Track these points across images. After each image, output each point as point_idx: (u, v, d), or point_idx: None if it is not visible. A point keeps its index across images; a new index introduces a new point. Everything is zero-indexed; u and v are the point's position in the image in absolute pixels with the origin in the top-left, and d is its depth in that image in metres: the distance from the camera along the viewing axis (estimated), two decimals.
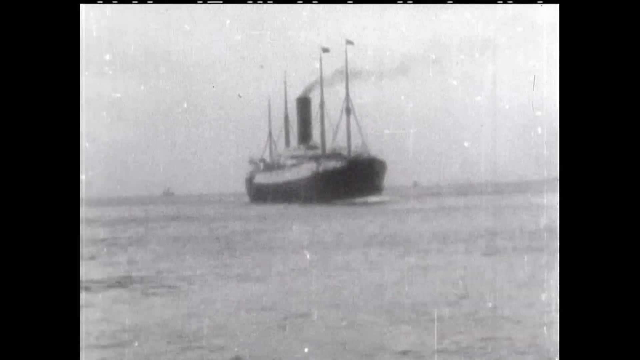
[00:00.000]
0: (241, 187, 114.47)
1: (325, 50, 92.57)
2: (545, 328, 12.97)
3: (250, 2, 9.06)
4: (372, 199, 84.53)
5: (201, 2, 9.02)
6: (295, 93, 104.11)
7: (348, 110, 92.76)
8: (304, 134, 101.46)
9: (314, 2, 9.49)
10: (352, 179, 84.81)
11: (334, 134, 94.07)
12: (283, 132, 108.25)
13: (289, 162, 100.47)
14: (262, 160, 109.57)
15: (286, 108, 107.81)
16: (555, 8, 8.24)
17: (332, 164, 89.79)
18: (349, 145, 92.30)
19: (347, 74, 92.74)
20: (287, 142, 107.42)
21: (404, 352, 11.31)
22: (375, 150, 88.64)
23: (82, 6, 8.51)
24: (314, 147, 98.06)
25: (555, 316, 13.55)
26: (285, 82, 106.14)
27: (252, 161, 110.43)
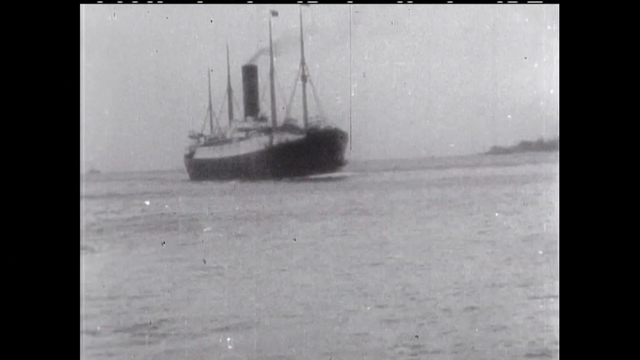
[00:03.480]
0: (178, 164, 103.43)
1: (274, 13, 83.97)
2: None
3: (250, 2, 9.07)
4: (333, 174, 76.95)
5: (201, 2, 9.03)
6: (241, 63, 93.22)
7: (304, 78, 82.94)
8: (251, 106, 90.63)
9: (312, 2, 9.50)
10: (311, 152, 76.52)
11: (289, 104, 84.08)
12: (226, 105, 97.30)
13: (236, 135, 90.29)
14: (201, 134, 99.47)
15: (229, 78, 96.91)
16: (555, 8, 8.26)
17: (288, 137, 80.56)
18: (306, 116, 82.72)
19: (302, 38, 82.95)
20: (231, 115, 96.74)
21: None
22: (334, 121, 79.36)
23: (82, 6, 8.51)
24: (263, 119, 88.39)
25: None
26: (227, 50, 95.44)
27: (192, 135, 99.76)
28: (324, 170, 76.33)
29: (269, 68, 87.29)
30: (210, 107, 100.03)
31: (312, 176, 74.97)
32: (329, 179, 73.07)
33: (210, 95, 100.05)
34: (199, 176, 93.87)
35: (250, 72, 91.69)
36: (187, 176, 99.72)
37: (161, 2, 9.66)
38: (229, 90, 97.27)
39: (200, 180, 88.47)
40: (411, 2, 8.62)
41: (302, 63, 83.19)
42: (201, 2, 8.98)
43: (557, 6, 8.20)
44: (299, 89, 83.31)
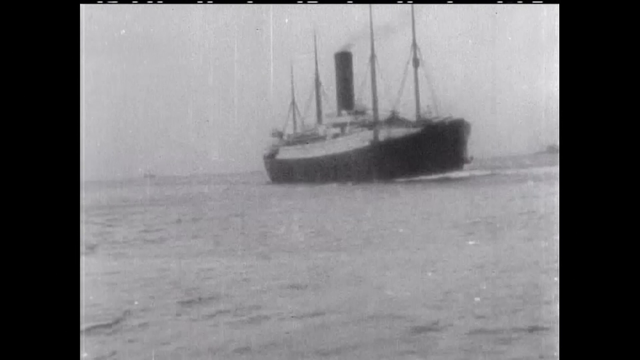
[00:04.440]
0: (243, 168, 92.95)
1: None
2: None
3: (250, 2, 9.06)
4: (458, 173, 64.72)
5: (201, 2, 9.02)
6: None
7: (416, 62, 69.47)
8: (346, 97, 78.33)
9: (312, 2, 9.50)
10: (429, 148, 64.85)
11: (399, 93, 70.67)
12: (310, 99, 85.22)
13: (331, 131, 78.03)
14: (280, 133, 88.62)
15: (317, 68, 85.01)
16: (555, 8, 8.26)
17: (400, 131, 68.02)
18: (418, 107, 69.70)
19: (412, 16, 69.05)
20: (319, 109, 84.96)
21: None
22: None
23: (82, 6, 8.51)
24: (362, 112, 75.60)
25: None
26: (314, 37, 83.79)
27: (275, 133, 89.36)
28: (444, 169, 65.00)
29: (368, 54, 73.82)
30: (293, 102, 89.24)
31: (428, 177, 64.52)
32: (447, 179, 62.05)
33: (293, 89, 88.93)
34: (282, 178, 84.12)
35: (344, 60, 79.27)
36: (262, 178, 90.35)
37: (161, 2, 9.66)
38: (317, 82, 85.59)
39: (284, 182, 79.75)
40: (411, 2, 8.60)
41: (414, 45, 69.91)
42: (201, 2, 8.98)
43: (557, 6, 8.20)
44: (410, 75, 70.31)
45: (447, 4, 8.28)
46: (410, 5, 66.66)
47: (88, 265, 19.58)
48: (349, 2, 8.97)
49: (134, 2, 9.16)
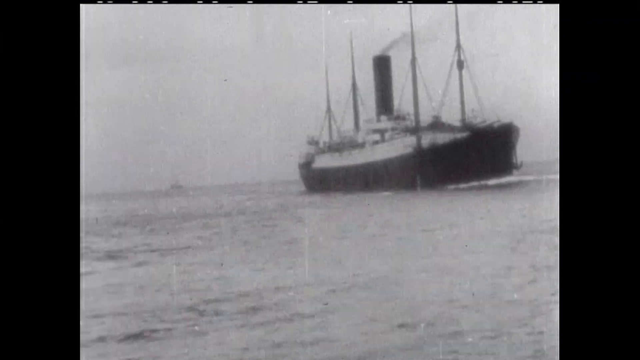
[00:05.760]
0: (276, 177, 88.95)
1: None
2: None
3: (250, 2, 9.05)
4: (509, 178, 61.82)
5: (201, 2, 9.01)
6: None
7: (460, 64, 66.45)
8: (385, 103, 74.78)
9: (313, 1, 9.48)
10: (477, 154, 61.42)
11: (442, 97, 67.62)
12: (347, 105, 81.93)
13: (370, 138, 74.73)
14: (316, 141, 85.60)
15: (353, 72, 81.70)
16: (555, 8, 8.24)
17: (445, 137, 64.84)
18: (463, 111, 66.48)
19: (456, 18, 66.27)
20: (356, 116, 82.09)
21: None
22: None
23: (82, 6, 8.51)
24: (403, 118, 72.62)
25: None
26: (351, 41, 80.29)
27: (311, 141, 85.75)
28: (492, 176, 61.85)
29: (405, 57, 71.56)
30: (328, 109, 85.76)
31: (476, 183, 61.35)
32: (504, 185, 58.88)
33: (328, 95, 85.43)
34: (319, 187, 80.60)
35: (383, 64, 75.93)
36: (297, 187, 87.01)
37: (164, 2, 9.65)
38: (354, 87, 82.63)
39: (321, 192, 76.48)
40: (411, 2, 8.59)
41: (458, 46, 66.89)
42: (201, 2, 8.97)
43: (557, 6, 8.19)
44: (454, 78, 67.29)
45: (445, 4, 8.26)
46: (452, 5, 62.14)
47: None
48: (349, 2, 8.95)
49: (134, 2, 9.15)
